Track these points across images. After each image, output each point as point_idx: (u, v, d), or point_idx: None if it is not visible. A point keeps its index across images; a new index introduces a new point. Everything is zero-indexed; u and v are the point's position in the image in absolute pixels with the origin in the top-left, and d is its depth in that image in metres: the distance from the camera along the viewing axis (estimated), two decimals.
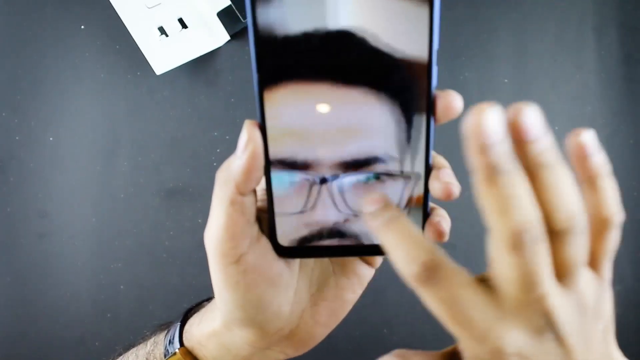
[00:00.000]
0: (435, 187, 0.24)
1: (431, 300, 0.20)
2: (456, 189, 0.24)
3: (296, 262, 0.27)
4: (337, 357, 0.55)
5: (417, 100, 0.23)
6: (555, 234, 0.20)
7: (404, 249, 0.20)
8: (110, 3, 0.52)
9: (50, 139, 0.55)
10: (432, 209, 0.25)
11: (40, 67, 0.55)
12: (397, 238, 0.21)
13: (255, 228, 0.24)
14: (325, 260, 0.28)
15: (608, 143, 0.56)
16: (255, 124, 0.23)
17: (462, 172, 0.58)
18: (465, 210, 0.55)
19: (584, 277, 0.21)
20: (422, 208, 0.24)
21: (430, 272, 0.20)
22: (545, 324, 0.20)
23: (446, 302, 0.20)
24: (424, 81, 0.22)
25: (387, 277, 0.54)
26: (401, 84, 0.22)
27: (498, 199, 0.19)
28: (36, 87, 0.55)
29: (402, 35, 0.22)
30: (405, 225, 0.21)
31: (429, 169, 0.24)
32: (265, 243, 0.25)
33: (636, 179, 0.56)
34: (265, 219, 0.25)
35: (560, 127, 0.55)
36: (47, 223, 0.55)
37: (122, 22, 0.52)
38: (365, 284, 0.29)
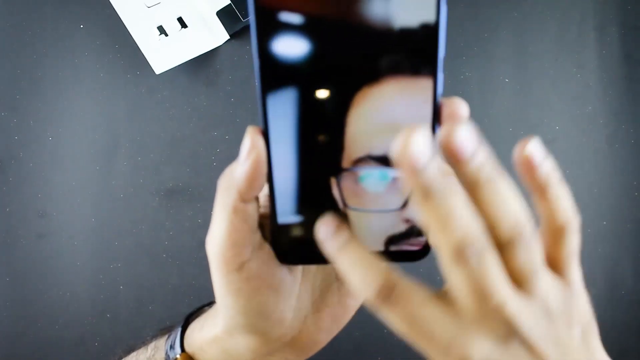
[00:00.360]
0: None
1: (392, 320, 0.20)
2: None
3: (298, 268, 0.27)
4: (337, 357, 0.55)
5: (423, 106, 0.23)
6: (503, 245, 0.20)
7: (359, 273, 0.21)
8: (110, 3, 0.52)
9: (50, 138, 0.55)
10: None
11: (40, 66, 0.54)
12: (351, 262, 0.21)
13: (257, 235, 0.24)
14: (328, 266, 0.28)
15: (608, 143, 0.56)
16: (258, 130, 0.23)
17: None
18: None
19: (544, 282, 0.21)
20: None
21: (387, 293, 0.20)
22: (508, 331, 0.20)
23: (406, 320, 0.20)
24: (430, 87, 0.22)
25: None
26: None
27: (436, 216, 0.19)
28: (36, 86, 0.54)
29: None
30: (358, 249, 0.21)
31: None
32: (267, 250, 0.25)
33: (636, 179, 0.56)
34: (268, 226, 0.25)
35: (561, 127, 0.55)
36: (47, 223, 0.55)
37: (122, 21, 0.52)
38: None
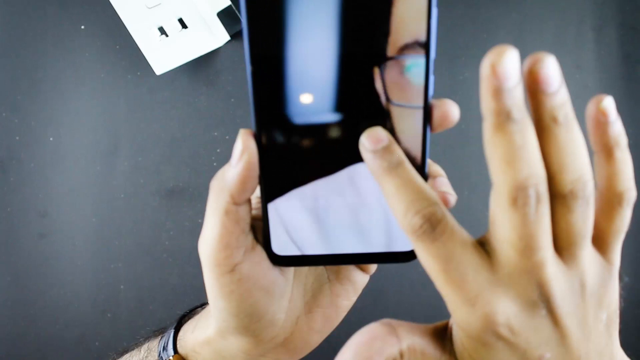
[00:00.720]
0: None
1: (426, 255, 0.19)
2: (452, 198, 0.23)
3: (290, 270, 0.27)
4: None
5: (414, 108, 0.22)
6: (558, 198, 0.19)
7: (406, 198, 0.19)
8: (110, 3, 0.52)
9: (51, 139, 0.55)
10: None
11: (41, 67, 0.55)
12: (399, 185, 0.20)
13: (249, 237, 0.24)
14: (320, 267, 0.28)
15: None
16: (250, 133, 0.23)
17: (457, 180, 0.59)
18: (464, 210, 0.55)
19: (587, 254, 0.20)
20: None
21: (431, 226, 0.19)
22: (539, 297, 0.19)
23: (442, 259, 0.19)
24: (421, 90, 0.22)
25: (387, 278, 0.54)
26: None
27: (506, 148, 0.18)
28: (36, 87, 0.55)
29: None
30: (409, 173, 0.20)
31: (425, 177, 0.24)
32: (259, 252, 0.25)
33: (636, 179, 0.56)
34: (260, 228, 0.25)
35: None
36: (47, 223, 0.55)
37: (122, 22, 0.52)
38: (359, 291, 0.29)
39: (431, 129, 0.23)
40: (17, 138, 0.55)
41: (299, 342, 0.28)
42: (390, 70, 0.22)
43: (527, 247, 0.18)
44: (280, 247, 0.25)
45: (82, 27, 0.54)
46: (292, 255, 0.25)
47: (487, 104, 0.18)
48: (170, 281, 0.56)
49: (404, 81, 0.22)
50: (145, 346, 0.32)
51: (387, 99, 0.22)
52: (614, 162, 0.20)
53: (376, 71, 0.22)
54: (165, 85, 0.55)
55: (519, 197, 0.18)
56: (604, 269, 0.21)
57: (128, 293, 0.56)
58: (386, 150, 0.20)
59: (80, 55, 0.55)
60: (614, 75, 0.55)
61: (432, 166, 0.25)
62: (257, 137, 0.23)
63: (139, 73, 0.55)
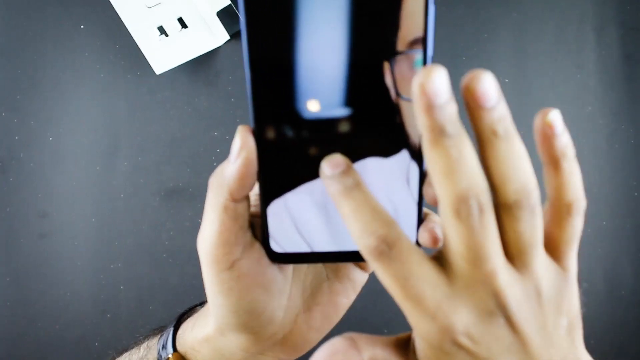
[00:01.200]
0: (428, 194, 0.23)
1: (385, 275, 0.20)
2: None
3: (289, 267, 0.27)
4: None
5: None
6: (505, 208, 0.19)
7: (362, 220, 0.20)
8: (110, 3, 0.52)
9: (50, 139, 0.55)
10: (426, 214, 0.25)
11: (40, 67, 0.55)
12: (355, 208, 0.20)
13: (248, 234, 0.24)
14: (319, 265, 0.28)
15: (608, 143, 0.56)
16: (249, 129, 0.23)
17: None
18: None
19: (540, 262, 0.20)
20: (416, 213, 0.24)
21: (387, 246, 0.19)
22: (495, 306, 0.19)
23: (399, 278, 0.19)
24: None
25: None
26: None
27: (444, 161, 0.18)
28: (36, 87, 0.55)
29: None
30: (365, 195, 0.20)
31: (423, 175, 0.24)
32: (258, 249, 0.25)
33: (636, 179, 0.56)
34: (259, 225, 0.25)
35: None
36: (47, 223, 0.55)
37: (122, 22, 0.52)
38: (359, 289, 0.29)
39: None
40: (17, 138, 0.55)
41: (298, 340, 0.28)
42: (400, 64, 0.22)
43: (477, 258, 0.19)
44: (279, 244, 0.25)
45: (82, 26, 0.54)
46: (290, 252, 0.25)
47: (420, 121, 0.19)
48: (170, 281, 0.56)
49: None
50: (144, 345, 0.32)
51: (397, 93, 0.22)
52: (562, 173, 0.21)
53: (386, 66, 0.22)
54: (165, 85, 0.55)
55: (461, 208, 0.18)
56: (560, 276, 0.21)
57: (128, 293, 0.56)
58: (343, 174, 0.21)
59: (80, 55, 0.54)
60: (614, 76, 0.55)
61: None
62: (256, 134, 0.23)
63: (139, 73, 0.55)
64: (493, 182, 0.19)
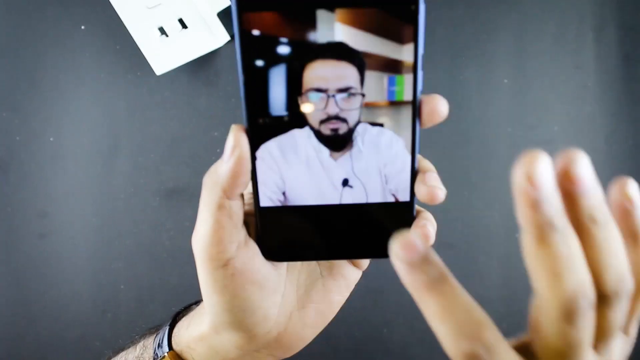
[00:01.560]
0: (420, 191, 0.23)
1: None
2: (441, 192, 0.23)
3: (283, 265, 0.27)
4: (337, 357, 0.55)
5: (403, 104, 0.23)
6: (602, 298, 0.18)
7: (454, 321, 0.17)
8: (110, 3, 0.52)
9: (51, 139, 0.55)
10: (418, 212, 0.25)
11: (41, 67, 0.55)
12: (446, 306, 0.18)
13: (242, 232, 0.25)
14: (313, 263, 0.29)
15: (607, 143, 0.56)
16: (242, 128, 0.23)
17: (457, 180, 0.59)
18: (464, 210, 0.55)
19: (618, 344, 0.20)
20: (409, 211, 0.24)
21: (486, 352, 0.17)
22: None
23: None
24: (410, 85, 0.22)
25: (386, 278, 0.54)
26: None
27: (552, 261, 0.17)
28: (36, 87, 0.55)
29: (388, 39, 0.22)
30: (455, 290, 0.18)
31: (414, 172, 0.24)
32: (252, 247, 0.25)
33: (636, 179, 0.56)
34: (253, 223, 0.25)
35: (560, 127, 0.55)
36: (47, 223, 0.55)
37: (122, 22, 0.52)
38: (352, 286, 0.29)
39: (420, 124, 0.23)
40: (17, 138, 0.55)
41: (293, 337, 0.28)
42: None
43: (573, 353, 0.18)
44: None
45: (82, 27, 0.54)
46: (284, 250, 0.25)
47: (526, 217, 0.17)
48: (170, 281, 0.56)
49: None
50: (140, 344, 0.32)
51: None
52: None
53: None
54: (165, 86, 0.55)
55: (570, 310, 0.17)
56: (625, 345, 0.21)
57: (128, 293, 0.56)
58: (425, 262, 0.18)
59: (80, 55, 0.55)
60: (613, 76, 0.55)
61: (422, 161, 0.25)
62: (249, 133, 0.23)
63: (139, 73, 0.55)
64: (592, 271, 0.18)
